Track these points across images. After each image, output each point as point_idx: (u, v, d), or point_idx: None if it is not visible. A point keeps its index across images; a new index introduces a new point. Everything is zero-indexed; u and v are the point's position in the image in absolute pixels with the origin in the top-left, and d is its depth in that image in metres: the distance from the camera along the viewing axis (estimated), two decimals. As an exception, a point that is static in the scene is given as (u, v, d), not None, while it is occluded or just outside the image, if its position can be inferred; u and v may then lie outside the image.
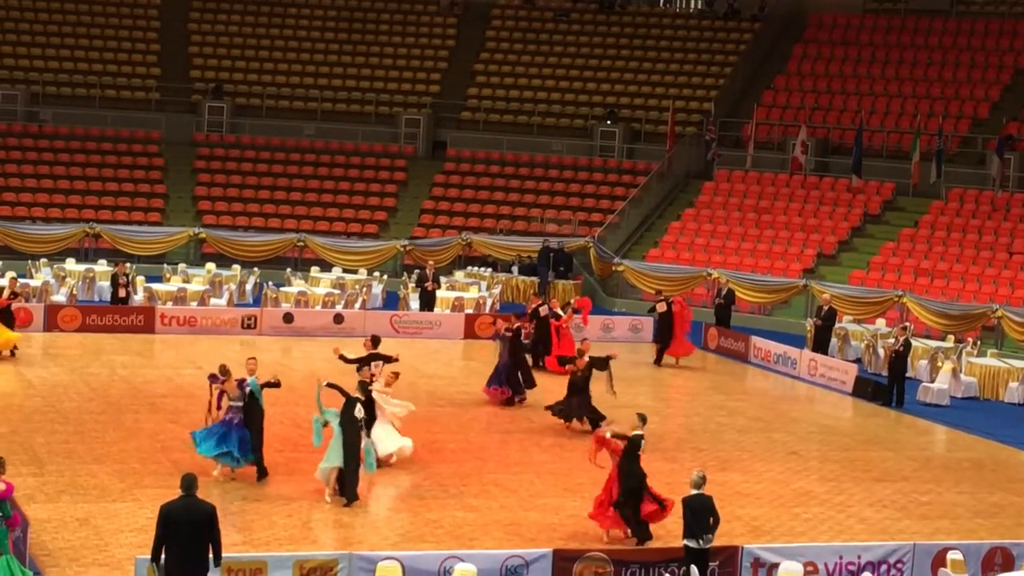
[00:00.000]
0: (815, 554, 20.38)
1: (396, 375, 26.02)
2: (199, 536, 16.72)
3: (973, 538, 22.43)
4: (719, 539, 19.62)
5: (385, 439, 25.02)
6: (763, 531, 22.75)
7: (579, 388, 28.99)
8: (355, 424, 22.91)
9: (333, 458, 22.90)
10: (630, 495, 21.42)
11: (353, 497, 22.70)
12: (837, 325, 40.20)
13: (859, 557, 20.56)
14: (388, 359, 26.89)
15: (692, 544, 19.08)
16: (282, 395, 30.52)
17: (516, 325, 32.24)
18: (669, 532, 21.69)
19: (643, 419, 22.11)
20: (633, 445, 21.62)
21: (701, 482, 19.20)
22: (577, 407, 28.89)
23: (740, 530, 22.49)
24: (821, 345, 38.26)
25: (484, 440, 28.09)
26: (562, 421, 29.10)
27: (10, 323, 33.57)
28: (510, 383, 31.30)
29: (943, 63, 53.75)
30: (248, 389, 23.56)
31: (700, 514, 19.04)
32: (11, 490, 17.52)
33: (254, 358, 24.40)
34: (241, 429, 23.48)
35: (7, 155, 51.05)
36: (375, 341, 27.55)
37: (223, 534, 17.13)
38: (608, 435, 22.04)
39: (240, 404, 23.52)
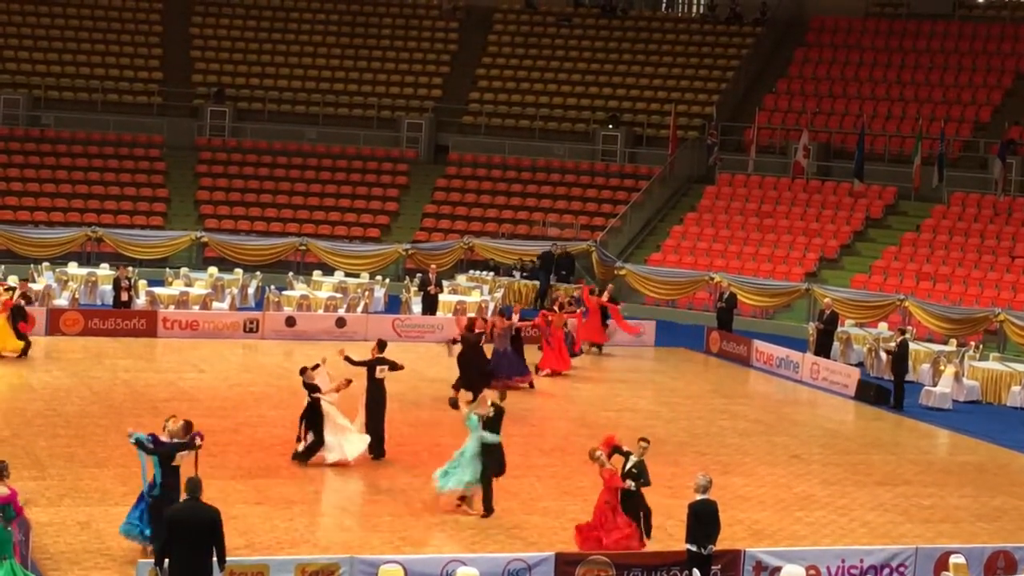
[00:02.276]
0: (817, 558, 20.39)
1: (348, 382, 25.59)
2: (203, 540, 16.72)
3: (975, 542, 22.44)
4: (722, 543, 19.60)
5: (344, 443, 25.12)
6: (765, 535, 22.74)
7: (469, 360, 31.60)
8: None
9: (469, 476, 22.76)
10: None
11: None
12: (839, 329, 40.20)
13: (861, 561, 20.58)
14: (395, 365, 26.76)
15: (695, 549, 19.04)
16: (284, 399, 30.64)
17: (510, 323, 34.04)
18: (672, 536, 21.68)
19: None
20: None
21: (708, 486, 19.16)
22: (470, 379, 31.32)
23: (742, 534, 22.49)
24: (823, 349, 38.26)
25: (486, 444, 28.03)
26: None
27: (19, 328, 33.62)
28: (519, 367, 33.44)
29: (945, 67, 53.75)
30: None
31: (705, 519, 19.01)
32: (15, 495, 17.52)
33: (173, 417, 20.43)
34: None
35: (9, 159, 51.06)
36: (381, 346, 27.44)
37: (226, 537, 17.12)
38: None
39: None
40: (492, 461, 22.83)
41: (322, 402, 25.07)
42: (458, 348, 32.17)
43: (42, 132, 52.87)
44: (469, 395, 29.21)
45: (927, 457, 29.69)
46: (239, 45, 57.58)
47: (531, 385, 33.95)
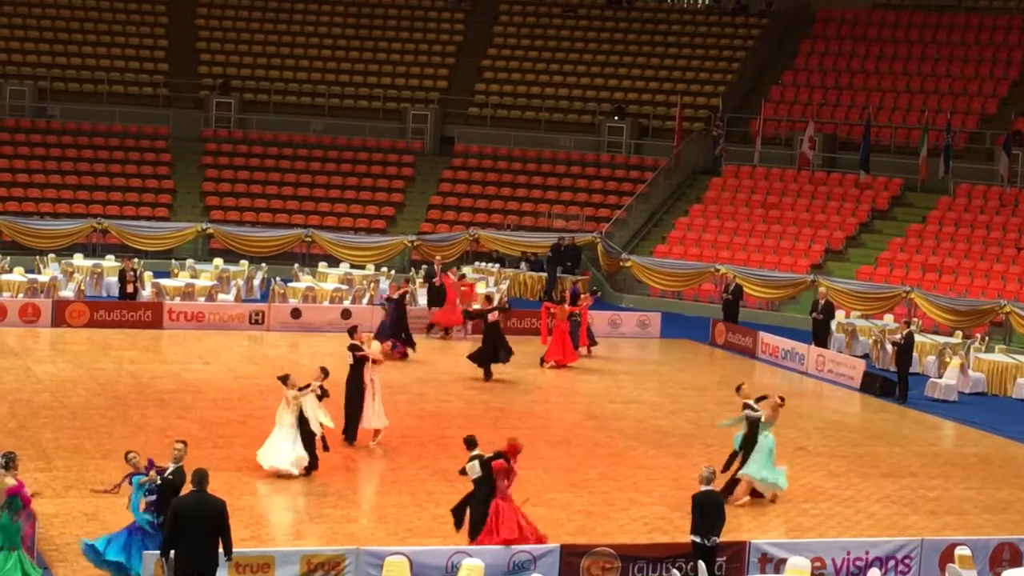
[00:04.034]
0: (823, 549, 20.38)
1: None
2: (209, 531, 16.74)
3: (981, 534, 22.43)
4: (727, 534, 19.61)
5: (282, 448, 23.91)
6: (771, 526, 22.75)
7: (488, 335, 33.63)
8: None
9: (768, 473, 23.93)
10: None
11: None
12: (845, 321, 40.20)
13: (867, 553, 20.57)
14: (356, 348, 26.46)
15: (699, 541, 19.03)
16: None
17: (403, 291, 36.23)
18: (677, 528, 21.70)
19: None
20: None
21: (711, 477, 19.17)
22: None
23: (748, 525, 22.49)
24: (820, 339, 38.25)
25: (492, 436, 27.94)
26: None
27: None
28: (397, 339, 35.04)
29: (951, 59, 53.67)
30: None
31: (709, 511, 19.01)
32: (22, 486, 17.56)
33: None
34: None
35: (15, 151, 51.09)
36: (350, 331, 27.10)
37: (232, 529, 17.14)
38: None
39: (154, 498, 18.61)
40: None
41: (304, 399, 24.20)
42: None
43: (48, 123, 52.90)
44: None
45: (933, 449, 29.68)
46: (245, 37, 57.58)
47: (403, 356, 35.08)
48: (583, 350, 37.00)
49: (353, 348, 26.50)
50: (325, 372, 24.49)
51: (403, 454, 25.98)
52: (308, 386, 24.09)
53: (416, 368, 33.95)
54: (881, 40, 55.16)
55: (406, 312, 35.90)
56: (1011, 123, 48.62)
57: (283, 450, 23.82)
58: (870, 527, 23.13)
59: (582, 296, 38.28)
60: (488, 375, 33.14)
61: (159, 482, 18.28)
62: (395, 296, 35.85)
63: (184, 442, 18.95)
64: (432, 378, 32.95)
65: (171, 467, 18.42)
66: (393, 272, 45.30)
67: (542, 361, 35.46)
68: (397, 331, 35.06)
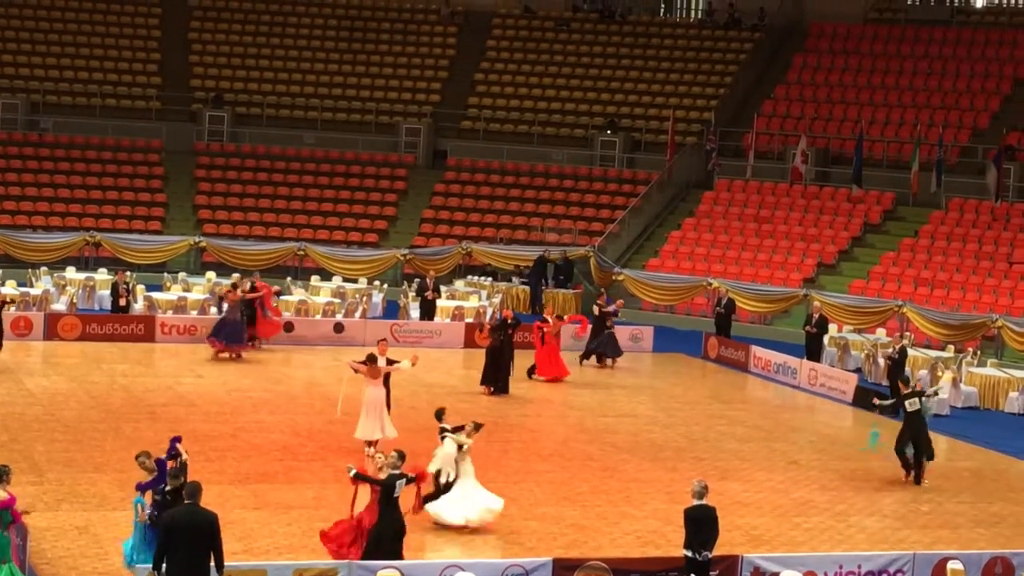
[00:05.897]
0: (815, 563, 20.36)
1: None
2: (201, 544, 16.69)
3: (973, 548, 22.43)
4: (720, 548, 19.58)
5: (469, 497, 22.56)
6: (763, 540, 22.74)
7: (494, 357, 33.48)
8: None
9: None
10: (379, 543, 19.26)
11: None
12: (837, 335, 40.23)
13: (859, 567, 20.55)
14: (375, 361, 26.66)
15: (691, 555, 19.00)
16: (282, 404, 30.66)
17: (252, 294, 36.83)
18: (670, 542, 21.68)
19: (401, 457, 19.55)
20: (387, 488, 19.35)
21: (703, 492, 19.13)
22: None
23: (740, 539, 22.48)
24: (813, 353, 38.27)
25: (484, 449, 27.98)
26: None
27: None
28: (236, 338, 35.63)
29: (943, 73, 53.79)
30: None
31: (702, 525, 18.96)
32: (13, 500, 17.52)
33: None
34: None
35: (8, 164, 51.08)
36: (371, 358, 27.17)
37: (224, 542, 17.10)
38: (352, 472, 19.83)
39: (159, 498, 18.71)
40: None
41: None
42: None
43: (41, 137, 52.91)
44: None
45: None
46: (237, 50, 57.62)
47: (239, 356, 35.60)
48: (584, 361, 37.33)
49: (369, 359, 26.61)
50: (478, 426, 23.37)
51: (395, 467, 25.88)
52: (461, 428, 23.03)
53: (409, 381, 33.91)
54: (874, 54, 55.28)
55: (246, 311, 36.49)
56: (1003, 138, 48.72)
57: (476, 499, 22.55)
58: (862, 541, 23.12)
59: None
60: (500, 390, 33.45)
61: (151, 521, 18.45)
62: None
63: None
64: (425, 391, 32.92)
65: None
66: (386, 285, 45.27)
67: (530, 373, 35.29)
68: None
